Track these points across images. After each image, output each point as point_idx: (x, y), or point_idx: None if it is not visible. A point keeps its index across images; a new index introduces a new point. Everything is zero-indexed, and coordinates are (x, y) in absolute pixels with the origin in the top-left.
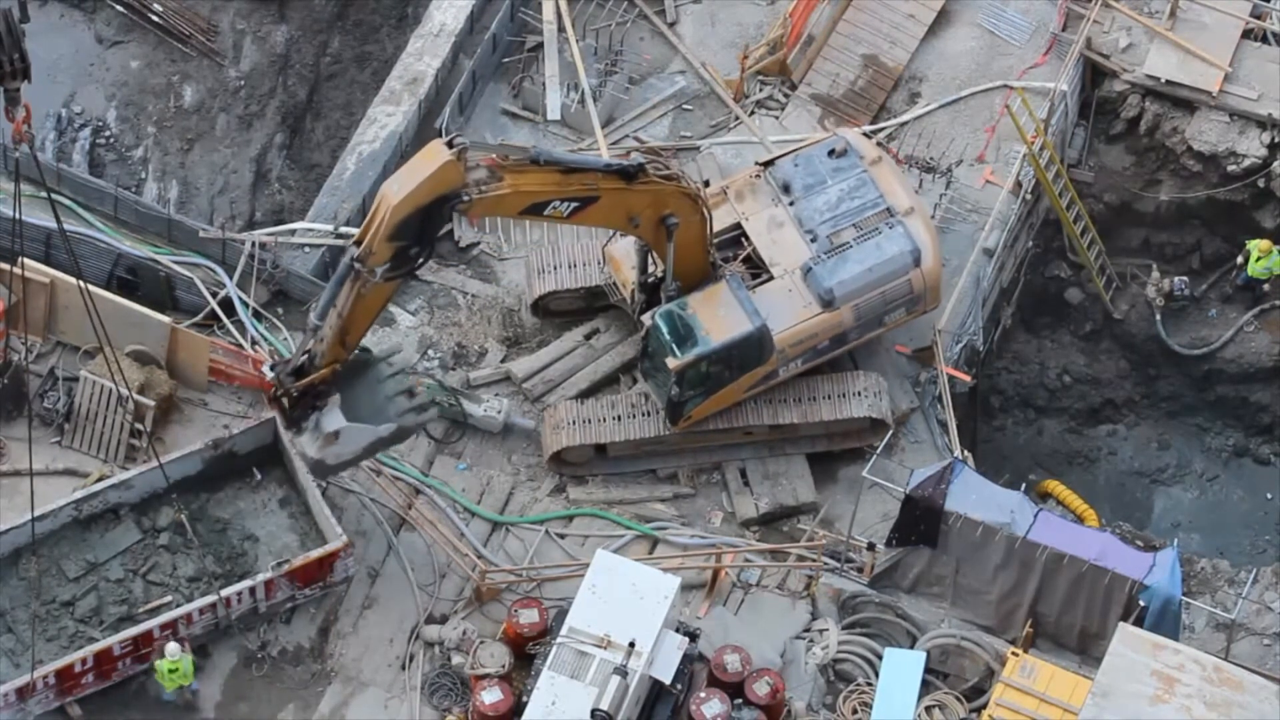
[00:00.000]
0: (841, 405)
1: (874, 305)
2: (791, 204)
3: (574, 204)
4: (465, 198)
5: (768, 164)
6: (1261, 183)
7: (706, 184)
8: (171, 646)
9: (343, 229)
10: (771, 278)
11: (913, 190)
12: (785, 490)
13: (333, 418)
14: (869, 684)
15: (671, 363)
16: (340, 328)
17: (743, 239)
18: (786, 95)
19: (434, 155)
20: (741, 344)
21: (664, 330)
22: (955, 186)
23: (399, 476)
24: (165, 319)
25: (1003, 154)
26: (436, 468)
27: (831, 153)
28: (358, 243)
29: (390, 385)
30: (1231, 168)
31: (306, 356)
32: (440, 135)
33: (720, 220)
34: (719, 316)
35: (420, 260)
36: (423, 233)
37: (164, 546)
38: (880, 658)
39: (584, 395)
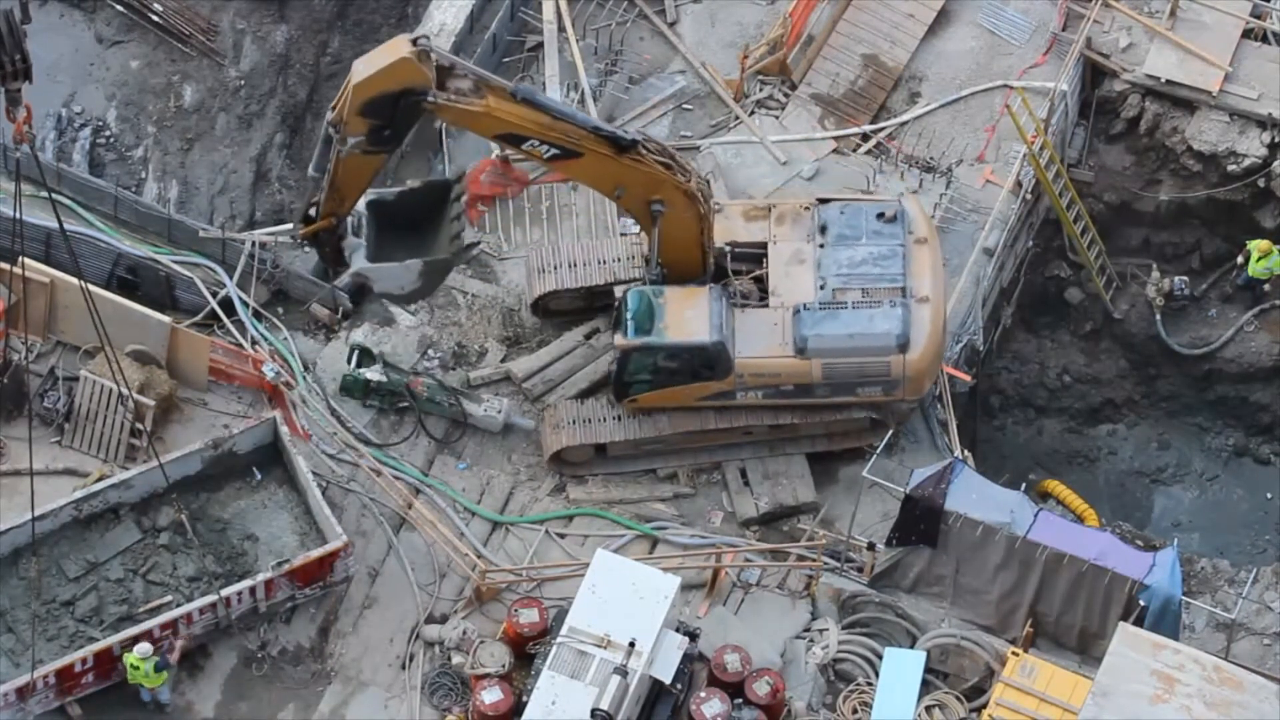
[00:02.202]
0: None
1: (846, 371)
2: (820, 246)
3: (555, 150)
4: (432, 97)
5: (824, 201)
6: (1261, 183)
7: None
8: (142, 646)
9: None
10: (767, 305)
11: (943, 284)
12: (785, 490)
13: (355, 259)
14: (869, 684)
15: (619, 340)
16: (330, 186)
17: (764, 259)
18: (786, 95)
19: (395, 49)
20: (691, 351)
21: (628, 307)
22: (955, 186)
23: (399, 476)
24: (165, 319)
25: (1003, 154)
26: (436, 467)
27: (881, 215)
28: (333, 108)
29: (451, 211)
30: (1231, 167)
31: (314, 206)
32: (439, 135)
33: (751, 234)
34: (684, 317)
35: (391, 145)
36: (395, 118)
37: (164, 546)
38: (880, 657)
39: (584, 395)
